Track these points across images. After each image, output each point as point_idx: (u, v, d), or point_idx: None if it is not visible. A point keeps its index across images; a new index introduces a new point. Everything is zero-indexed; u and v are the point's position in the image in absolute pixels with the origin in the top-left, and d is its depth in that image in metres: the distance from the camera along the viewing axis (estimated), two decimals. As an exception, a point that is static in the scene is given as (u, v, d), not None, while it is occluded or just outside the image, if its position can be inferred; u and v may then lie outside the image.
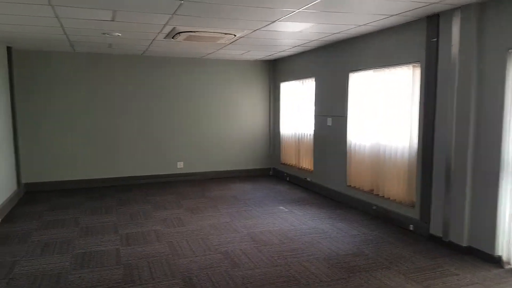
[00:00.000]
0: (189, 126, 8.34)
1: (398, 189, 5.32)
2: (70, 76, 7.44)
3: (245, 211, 5.99)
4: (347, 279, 3.68)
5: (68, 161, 7.52)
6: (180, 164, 8.31)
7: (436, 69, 4.55)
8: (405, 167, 5.18)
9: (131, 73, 7.83)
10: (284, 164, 8.56)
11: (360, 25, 5.14)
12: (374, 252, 4.34)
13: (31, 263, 4.06)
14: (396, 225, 5.24)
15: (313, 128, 7.27)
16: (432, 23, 4.56)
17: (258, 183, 8.11)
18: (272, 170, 9.07)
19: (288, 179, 8.34)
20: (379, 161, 5.63)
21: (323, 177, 7.03)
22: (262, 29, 5.29)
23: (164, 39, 5.99)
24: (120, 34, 5.65)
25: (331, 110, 6.67)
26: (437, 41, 4.51)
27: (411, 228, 5.02)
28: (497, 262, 3.99)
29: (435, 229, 4.63)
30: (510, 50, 3.80)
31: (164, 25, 5.07)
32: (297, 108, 7.92)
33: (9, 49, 6.78)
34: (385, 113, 5.49)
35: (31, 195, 7.03)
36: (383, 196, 5.57)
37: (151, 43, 6.36)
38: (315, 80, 7.14)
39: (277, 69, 8.72)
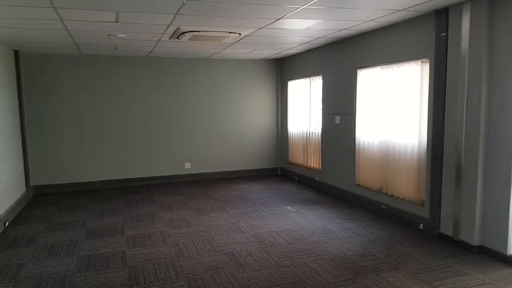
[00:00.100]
0: (196, 126, 8.32)
1: (408, 188, 5.22)
2: (77, 78, 7.47)
3: (252, 211, 5.94)
4: (354, 280, 3.60)
5: (76, 163, 7.55)
6: (188, 165, 8.29)
7: (446, 64, 4.44)
8: (415, 165, 5.08)
9: (137, 74, 7.83)
10: (292, 163, 8.49)
11: (367, 21, 5.05)
12: (382, 252, 4.26)
13: (37, 265, 4.06)
14: (406, 224, 5.15)
15: (320, 127, 7.19)
16: (441, 17, 4.45)
17: (266, 183, 8.06)
18: (280, 169, 9.01)
19: (296, 178, 8.27)
20: (388, 159, 5.54)
21: (332, 176, 6.95)
22: (268, 27, 5.23)
23: (169, 40, 5.97)
24: (124, 36, 5.65)
25: (339, 108, 6.58)
26: (446, 35, 4.40)
27: (421, 227, 4.92)
28: (510, 261, 3.89)
29: (446, 228, 4.53)
30: (520, 44, 3.70)
31: (168, 25, 5.04)
32: (305, 107, 7.85)
33: (16, 53, 6.82)
34: (393, 110, 5.40)
35: (40, 197, 7.07)
36: (392, 195, 5.48)
37: (156, 44, 6.35)
38: (323, 78, 7.07)
39: (284, 68, 8.65)
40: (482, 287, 3.45)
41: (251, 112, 8.73)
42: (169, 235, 4.91)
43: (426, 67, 4.80)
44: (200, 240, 4.70)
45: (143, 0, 3.90)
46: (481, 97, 4.04)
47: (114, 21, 4.73)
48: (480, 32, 4.01)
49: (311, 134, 7.67)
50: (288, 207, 6.13)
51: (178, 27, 5.17)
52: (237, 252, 4.32)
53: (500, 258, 3.96)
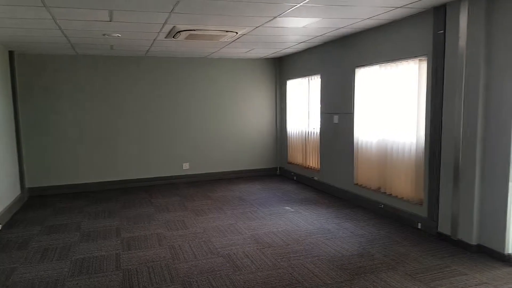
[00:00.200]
0: (195, 126, 8.26)
1: (406, 187, 5.17)
2: (73, 79, 7.41)
3: (250, 212, 5.88)
4: (351, 281, 3.55)
5: (72, 164, 7.49)
6: (186, 165, 8.23)
7: (443, 62, 4.38)
8: (412, 164, 5.03)
9: (134, 74, 7.77)
10: (291, 163, 8.43)
11: (364, 19, 4.99)
12: (380, 252, 4.20)
13: (30, 269, 3.99)
14: (404, 223, 5.09)
15: (319, 126, 7.14)
16: (439, 15, 4.40)
17: (265, 183, 8.00)
18: (279, 169, 8.95)
19: (295, 178, 8.21)
20: (386, 158, 5.48)
21: (330, 175, 6.89)
22: (264, 25, 5.17)
23: (165, 39, 5.91)
24: (120, 35, 5.59)
25: (337, 107, 6.53)
26: (444, 33, 4.35)
27: (419, 227, 4.87)
28: (507, 260, 3.84)
29: (444, 227, 4.47)
30: (519, 40, 3.64)
31: (164, 24, 4.98)
32: (304, 106, 7.79)
33: (11, 53, 6.76)
34: (391, 108, 5.34)
35: (35, 199, 7.01)
36: (391, 194, 5.42)
37: (153, 43, 6.29)
38: (321, 77, 7.01)
39: (282, 67, 8.59)
40: (480, 286, 3.39)
41: (249, 112, 8.67)
42: (165, 237, 4.85)
43: (424, 65, 4.75)
44: (196, 242, 4.64)
45: (136, -1, 3.85)
46: (478, 95, 3.98)
47: (108, 20, 4.68)
48: (478, 30, 3.95)
49: (309, 133, 7.62)
50: (287, 207, 6.08)
51: (173, 26, 5.11)
52: (234, 253, 4.26)
53: (498, 257, 3.90)
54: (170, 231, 5.06)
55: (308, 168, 7.72)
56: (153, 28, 5.20)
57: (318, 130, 7.18)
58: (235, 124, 8.57)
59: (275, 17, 4.75)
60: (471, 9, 3.99)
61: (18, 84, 6.96)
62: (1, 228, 5.32)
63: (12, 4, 3.93)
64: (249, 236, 4.82)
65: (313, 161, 7.55)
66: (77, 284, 3.65)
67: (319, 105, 7.07)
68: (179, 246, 4.53)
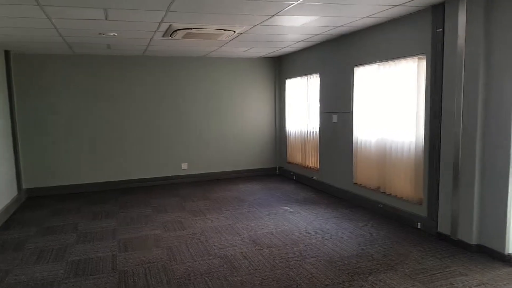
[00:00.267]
0: (193, 126, 8.21)
1: (405, 186, 5.12)
2: (70, 79, 7.36)
3: (249, 212, 5.83)
4: (350, 282, 3.50)
5: (70, 165, 7.45)
6: (184, 165, 8.19)
7: (442, 61, 4.34)
8: (412, 163, 4.98)
9: (132, 74, 7.73)
10: (290, 162, 8.39)
11: (363, 17, 4.95)
12: (379, 252, 4.16)
13: (25, 271, 3.95)
14: (403, 223, 5.05)
15: (318, 125, 7.09)
16: (438, 13, 4.35)
17: (264, 183, 7.95)
18: (278, 169, 8.91)
19: (294, 178, 8.17)
20: (385, 158, 5.44)
21: (329, 175, 6.85)
22: (262, 24, 5.12)
23: (162, 38, 5.86)
24: (116, 34, 5.54)
25: (336, 106, 6.48)
26: (443, 31, 4.30)
27: (419, 227, 4.82)
28: (508, 260, 3.80)
29: (443, 227, 4.43)
30: (518, 38, 3.59)
31: (160, 23, 4.94)
32: (303, 105, 7.74)
33: (7, 53, 6.72)
34: (390, 107, 5.30)
35: (33, 200, 6.96)
36: (390, 194, 5.38)
37: (150, 42, 6.24)
38: (320, 76, 6.96)
39: (281, 66, 8.55)
40: (480, 287, 3.35)
41: (249, 111, 8.62)
42: (162, 238, 4.81)
43: (423, 64, 4.70)
44: (194, 243, 4.60)
45: (130, -3, 3.81)
46: (478, 94, 3.93)
47: (104, 19, 4.63)
48: (477, 28, 3.90)
49: (309, 133, 7.57)
50: (286, 208, 6.03)
51: (170, 25, 5.07)
52: (232, 254, 4.22)
53: (498, 257, 3.86)
54: (168, 232, 5.02)
55: (307, 167, 7.67)
56: (150, 27, 5.16)
57: (317, 130, 7.14)
58: (234, 124, 8.52)
59: (272, 16, 4.70)
60: (470, 7, 3.95)
61: (14, 84, 6.91)
62: (-2, 229, 5.29)
63: (5, 3, 3.89)
64: (247, 236, 4.78)
65: (313, 161, 7.51)
66: (72, 286, 3.60)
67: (318, 104, 7.03)
68: (176, 247, 4.49)
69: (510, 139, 3.72)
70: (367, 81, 5.79)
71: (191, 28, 5.25)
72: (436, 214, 4.53)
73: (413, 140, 4.94)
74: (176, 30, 5.31)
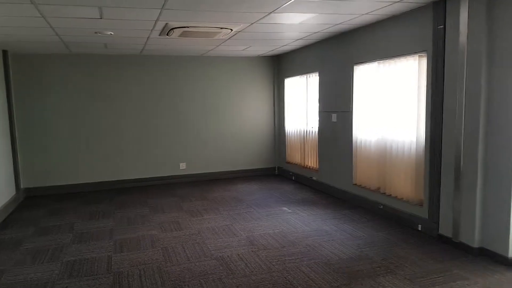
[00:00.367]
0: (191, 125, 8.15)
1: (406, 187, 5.05)
2: (68, 78, 7.31)
3: (247, 213, 5.76)
4: (348, 286, 3.43)
5: (68, 164, 7.40)
6: (183, 165, 8.13)
7: (444, 58, 4.26)
8: (413, 163, 4.90)
9: (130, 73, 7.67)
10: (289, 162, 8.31)
11: (362, 14, 4.87)
12: (379, 255, 4.08)
13: (20, 272, 3.90)
14: (404, 225, 4.97)
15: (317, 125, 7.02)
16: (439, 9, 4.27)
17: (263, 183, 7.88)
18: (277, 169, 8.84)
19: (293, 178, 8.09)
20: (385, 158, 5.36)
21: (329, 175, 6.77)
22: (260, 21, 5.05)
23: (159, 36, 5.79)
24: (112, 33, 5.48)
25: (336, 105, 6.41)
26: (444, 28, 4.22)
27: (420, 228, 4.74)
28: (511, 264, 3.70)
29: (445, 229, 4.34)
30: (521, 35, 3.51)
31: (156, 21, 4.87)
32: (302, 105, 7.67)
33: (5, 52, 6.66)
34: (391, 106, 5.22)
35: (31, 200, 6.91)
36: (390, 195, 5.30)
37: (147, 41, 6.18)
38: (319, 75, 6.89)
39: (280, 65, 8.47)
40: (483, 292, 3.28)
41: (247, 111, 8.55)
42: (158, 239, 4.74)
43: (424, 62, 4.62)
44: (190, 244, 4.53)
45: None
46: (480, 92, 3.85)
47: (99, 17, 4.57)
48: (479, 25, 3.82)
49: (308, 132, 7.50)
50: (284, 208, 5.96)
51: (166, 23, 5.00)
52: (228, 256, 4.15)
53: (501, 260, 3.77)
54: (164, 233, 4.96)
55: (306, 168, 7.60)
56: (146, 26, 5.09)
57: (317, 129, 7.06)
58: (233, 123, 8.45)
59: (269, 13, 4.63)
60: (472, 3, 3.87)
61: (13, 83, 6.87)
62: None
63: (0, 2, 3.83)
64: (244, 238, 4.71)
65: (312, 161, 7.44)
66: (66, 287, 3.55)
67: (318, 104, 6.95)
68: (172, 248, 4.43)
69: (512, 139, 3.64)
70: (367, 80, 5.71)
71: (188, 27, 5.19)
72: (437, 216, 4.45)
73: (414, 139, 4.86)
74: (172, 29, 5.25)
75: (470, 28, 3.91)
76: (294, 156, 8.12)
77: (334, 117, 6.46)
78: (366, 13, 4.81)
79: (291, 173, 8.21)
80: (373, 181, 5.66)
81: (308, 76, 7.39)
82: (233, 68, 8.34)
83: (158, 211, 5.95)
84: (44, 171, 7.25)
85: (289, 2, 4.16)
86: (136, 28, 5.23)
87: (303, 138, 7.69)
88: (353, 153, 6.01)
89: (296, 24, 5.31)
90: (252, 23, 5.15)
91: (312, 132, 7.34)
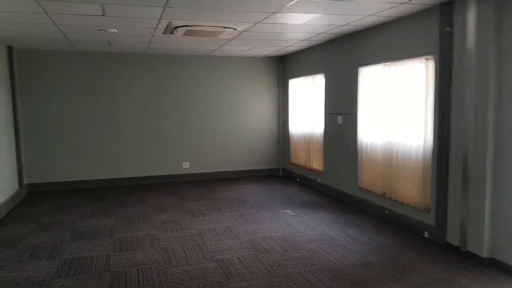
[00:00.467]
0: (195, 124, 8.08)
1: (412, 192, 4.92)
2: (72, 75, 7.28)
3: (249, 214, 5.68)
4: (350, 294, 3.33)
5: (72, 161, 7.36)
6: (186, 164, 8.06)
7: (451, 61, 4.14)
8: (420, 168, 4.78)
9: (134, 71, 7.62)
10: (294, 164, 8.21)
11: (367, 16, 4.77)
12: (383, 262, 3.97)
13: (17, 268, 3.86)
14: (410, 231, 4.85)
15: (323, 127, 6.91)
16: (446, 11, 4.15)
17: (267, 184, 7.79)
18: (281, 170, 8.74)
19: (298, 180, 7.99)
20: (391, 161, 5.24)
21: (334, 178, 6.66)
22: (264, 21, 4.97)
23: (163, 35, 5.74)
24: (116, 31, 5.43)
25: (341, 107, 6.30)
26: (452, 31, 4.10)
27: (426, 235, 4.62)
28: (522, 276, 3.58)
29: (452, 237, 4.22)
30: (536, 39, 3.39)
31: (159, 19, 4.80)
32: (307, 106, 7.57)
33: (10, 48, 6.64)
34: (397, 109, 5.10)
35: (33, 195, 6.88)
36: (396, 200, 5.18)
37: (151, 39, 6.12)
38: (325, 76, 6.79)
39: (285, 65, 8.38)
40: (491, 304, 3.16)
41: (252, 111, 8.46)
42: (158, 239, 4.67)
43: (431, 65, 4.50)
44: (190, 245, 4.45)
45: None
46: (489, 95, 3.73)
47: (102, 14, 4.51)
48: (487, 27, 3.70)
49: (313, 134, 7.39)
50: (287, 211, 5.86)
51: (170, 21, 4.93)
52: (228, 259, 4.06)
53: (511, 272, 3.64)
54: (165, 233, 4.88)
55: (311, 169, 7.49)
56: (149, 24, 5.03)
57: (322, 131, 6.96)
58: (237, 123, 8.37)
59: (273, 13, 4.54)
60: (480, 5, 3.75)
61: (17, 79, 6.85)
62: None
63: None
64: (246, 240, 4.62)
65: (317, 163, 7.33)
66: (62, 285, 3.50)
67: (323, 105, 6.85)
68: (172, 248, 4.35)
69: (524, 146, 3.52)
70: (372, 82, 5.60)
71: (191, 25, 5.11)
72: (444, 223, 4.33)
73: (421, 143, 4.74)
74: (176, 27, 5.18)
75: (478, 30, 3.79)
76: (299, 157, 8.02)
77: (339, 119, 6.35)
78: (372, 15, 4.71)
79: (295, 175, 8.11)
80: (379, 185, 5.54)
81: (313, 77, 7.29)
82: (237, 68, 8.26)
83: (160, 211, 5.88)
84: (48, 167, 7.22)
85: (293, 2, 4.07)
86: (139, 26, 5.18)
87: (308, 140, 7.59)
88: (359, 156, 5.90)
89: (300, 25, 5.22)
90: (256, 23, 5.07)
91: (317, 133, 7.23)
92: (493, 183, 3.80)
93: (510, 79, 3.60)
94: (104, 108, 7.48)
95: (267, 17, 4.74)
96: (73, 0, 3.88)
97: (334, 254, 4.19)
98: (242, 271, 3.78)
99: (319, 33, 5.85)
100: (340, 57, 6.24)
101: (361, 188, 5.91)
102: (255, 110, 8.47)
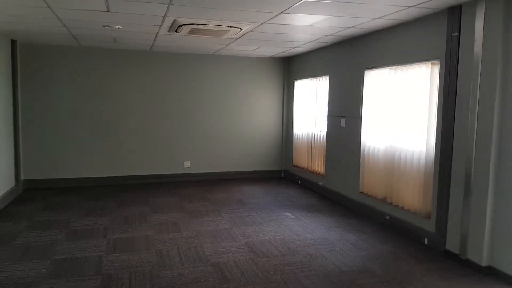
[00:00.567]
0: (198, 124, 8.01)
1: (413, 198, 4.83)
2: (75, 71, 7.23)
3: (248, 216, 5.59)
4: (347, 302, 3.25)
5: (71, 158, 7.31)
6: (187, 164, 7.99)
7: (457, 67, 4.05)
8: (421, 173, 4.69)
9: (138, 69, 7.56)
10: (296, 166, 8.13)
11: (375, 18, 4.68)
12: (382, 269, 3.88)
13: (6, 268, 3.77)
14: (410, 237, 4.75)
15: (326, 129, 6.82)
16: (454, 16, 4.07)
17: (268, 186, 7.70)
18: (283, 172, 8.65)
19: (299, 182, 7.90)
20: (393, 166, 5.15)
21: (335, 181, 6.57)
22: (269, 22, 4.90)
23: (168, 33, 5.68)
24: (120, 27, 5.38)
25: (345, 110, 6.21)
26: (459, 36, 4.01)
27: (426, 242, 4.52)
28: (523, 287, 3.48)
29: (452, 244, 4.12)
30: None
31: (164, 17, 4.75)
32: (311, 108, 7.49)
33: (14, 42, 6.61)
34: (401, 114, 5.02)
35: (29, 192, 6.82)
36: (397, 205, 5.09)
37: (156, 37, 6.06)
38: (329, 78, 6.70)
39: (291, 67, 8.30)
40: (491, 316, 3.06)
41: (256, 111, 8.38)
42: (154, 240, 4.59)
43: (436, 69, 4.41)
44: (186, 248, 4.37)
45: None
46: (494, 102, 3.64)
47: (106, 10, 4.45)
48: (495, 32, 3.61)
49: (316, 136, 7.31)
50: (287, 214, 5.78)
51: (175, 19, 4.87)
52: (224, 263, 3.98)
53: (510, 282, 3.54)
54: (161, 234, 4.80)
55: (313, 172, 7.40)
56: (154, 21, 4.98)
57: (325, 133, 6.87)
58: (240, 123, 8.29)
59: (280, 13, 4.47)
60: (488, 10, 3.66)
61: (19, 74, 6.81)
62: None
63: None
64: (243, 243, 4.54)
65: (319, 166, 7.24)
66: (51, 287, 3.41)
67: (327, 107, 6.76)
68: (167, 251, 4.27)
69: (529, 154, 3.42)
70: (377, 86, 5.52)
71: (197, 24, 5.05)
72: (444, 230, 4.23)
73: (424, 149, 4.65)
74: (181, 25, 5.12)
75: (485, 36, 3.70)
76: (301, 159, 7.93)
77: (343, 122, 6.26)
78: (378, 18, 4.63)
79: (297, 177, 8.02)
80: (380, 190, 5.45)
81: (318, 79, 7.21)
82: (242, 68, 8.19)
83: (158, 211, 5.81)
84: (46, 163, 7.17)
85: (300, 2, 3.99)
86: (144, 23, 5.13)
87: (311, 142, 7.50)
88: (361, 160, 5.81)
89: (307, 26, 5.15)
90: (261, 23, 5.00)
91: (320, 136, 7.15)
92: (495, 191, 3.71)
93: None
94: (106, 106, 7.42)
95: (273, 18, 4.68)
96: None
97: (332, 259, 4.10)
98: (238, 275, 3.70)
99: (326, 35, 5.77)
100: (346, 60, 6.16)
101: (362, 192, 5.82)
102: (259, 110, 8.40)
